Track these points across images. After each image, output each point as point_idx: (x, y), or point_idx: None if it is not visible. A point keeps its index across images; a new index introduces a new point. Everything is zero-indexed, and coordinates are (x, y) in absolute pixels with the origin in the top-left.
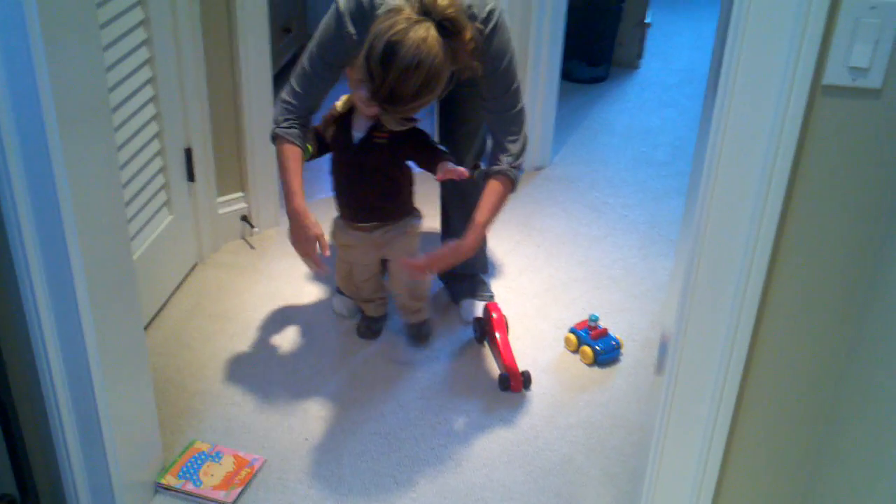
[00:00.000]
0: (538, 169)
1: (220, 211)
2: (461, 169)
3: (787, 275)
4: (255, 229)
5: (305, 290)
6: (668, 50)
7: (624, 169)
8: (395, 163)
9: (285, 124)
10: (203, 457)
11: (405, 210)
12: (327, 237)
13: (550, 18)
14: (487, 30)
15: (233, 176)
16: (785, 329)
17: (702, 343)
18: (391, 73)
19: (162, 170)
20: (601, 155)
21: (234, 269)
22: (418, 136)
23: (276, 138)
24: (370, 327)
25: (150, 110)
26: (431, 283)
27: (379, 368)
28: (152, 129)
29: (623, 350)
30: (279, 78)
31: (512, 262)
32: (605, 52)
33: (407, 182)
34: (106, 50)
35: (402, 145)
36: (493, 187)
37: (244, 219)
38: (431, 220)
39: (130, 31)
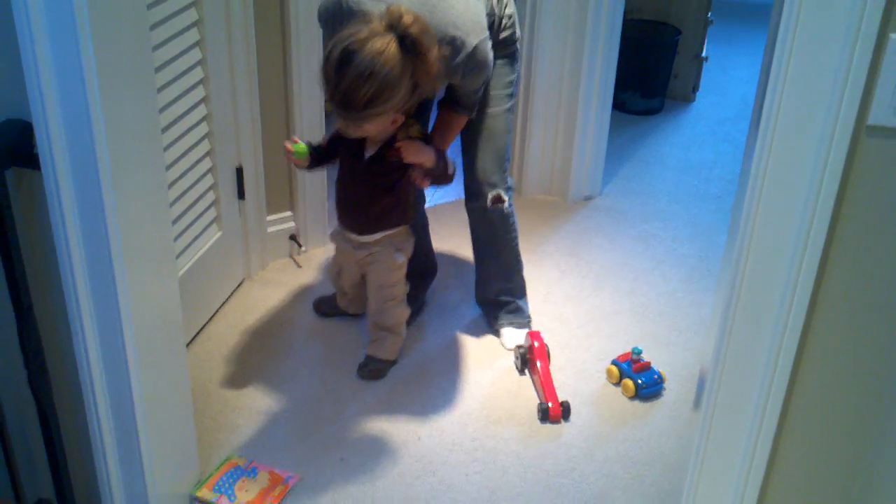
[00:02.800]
0: (587, 199)
1: (269, 229)
2: (414, 145)
3: (828, 314)
4: (303, 248)
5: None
6: (725, 83)
7: (675, 202)
8: (402, 179)
9: None
10: (239, 472)
11: (402, 220)
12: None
13: (603, 48)
14: (459, 59)
15: (282, 195)
16: (825, 369)
17: (739, 381)
18: (344, 79)
19: (212, 187)
20: (653, 187)
21: (281, 287)
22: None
23: None
24: (323, 304)
25: (202, 128)
26: (401, 317)
27: (418, 391)
28: (204, 146)
29: (666, 385)
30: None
31: (557, 290)
32: (660, 85)
33: (406, 194)
34: (161, 69)
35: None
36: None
37: (292, 238)
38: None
39: (186, 51)
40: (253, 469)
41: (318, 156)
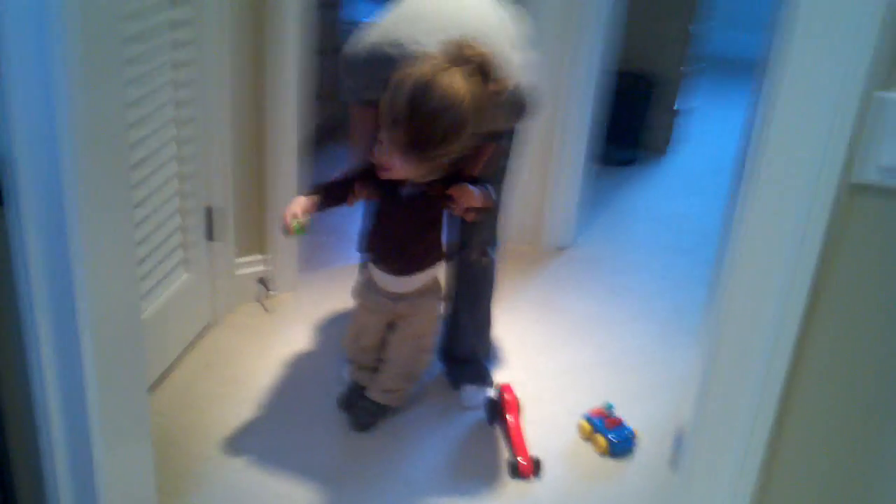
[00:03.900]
0: (561, 249)
1: (238, 272)
2: (468, 190)
3: (811, 374)
4: (272, 292)
5: (318, 356)
6: (701, 136)
7: (648, 254)
8: (440, 216)
9: None
10: None
11: (440, 257)
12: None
13: (580, 99)
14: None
15: (253, 237)
16: (808, 429)
17: (719, 441)
18: (418, 116)
19: (181, 227)
20: (626, 239)
21: (248, 332)
22: (471, 181)
23: None
24: (351, 398)
25: (172, 167)
26: (428, 365)
27: (385, 443)
28: (173, 186)
29: (637, 442)
30: (320, 144)
31: (529, 341)
32: (635, 137)
33: (441, 229)
34: (131, 106)
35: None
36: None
37: (261, 281)
38: None
39: (158, 89)
40: None
41: (332, 196)
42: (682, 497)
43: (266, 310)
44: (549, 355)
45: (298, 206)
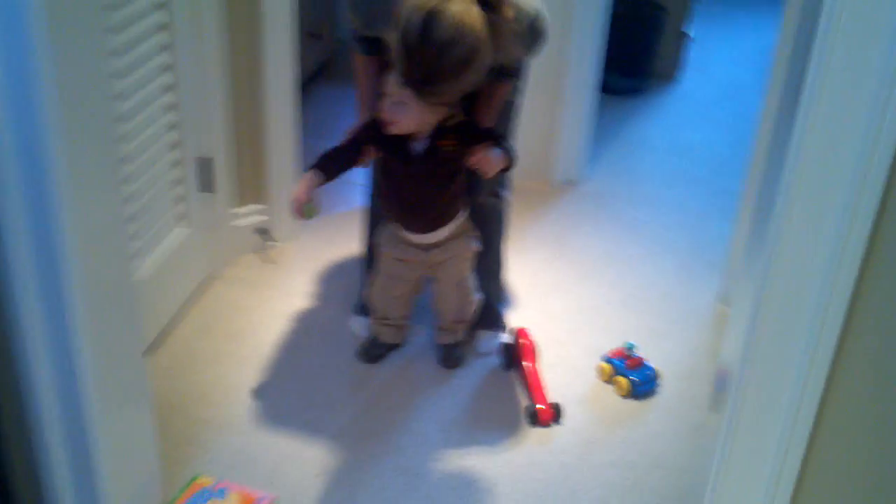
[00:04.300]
0: (570, 183)
1: (236, 223)
2: (490, 158)
3: (870, 308)
4: (272, 242)
5: (323, 308)
6: (708, 64)
7: (662, 186)
8: (460, 169)
9: None
10: (206, 493)
11: (464, 204)
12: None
13: (586, 24)
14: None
15: (250, 186)
16: (866, 366)
17: (771, 379)
18: (429, 47)
19: (173, 181)
20: (639, 171)
21: (248, 285)
22: (490, 136)
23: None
24: (373, 351)
25: (161, 117)
26: (477, 304)
27: (397, 397)
28: (163, 137)
29: (660, 381)
30: (308, 86)
31: (541, 281)
32: (642, 64)
33: (462, 178)
34: (123, 55)
35: (470, 146)
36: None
37: (263, 232)
38: None
39: (150, 34)
40: (221, 490)
41: (339, 164)
42: (727, 443)
43: (266, 261)
44: (563, 296)
45: (305, 187)
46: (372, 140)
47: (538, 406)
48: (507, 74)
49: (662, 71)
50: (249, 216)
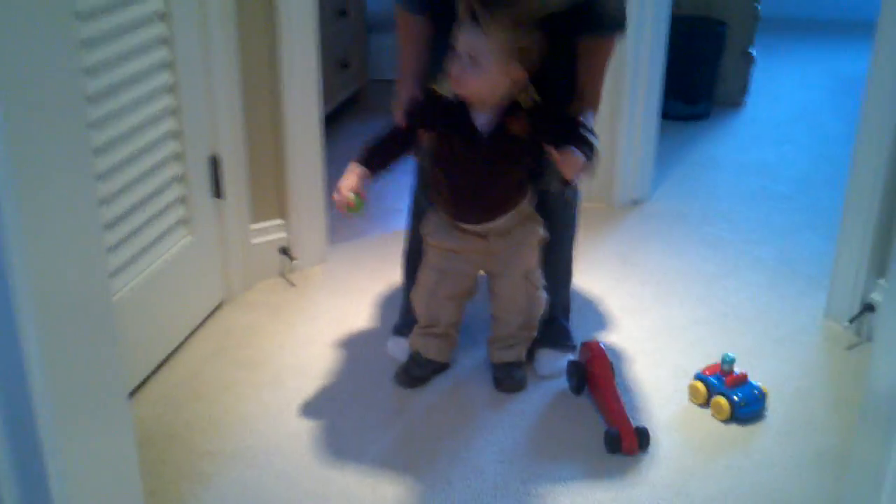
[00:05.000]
0: (635, 204)
1: (255, 240)
2: (577, 160)
3: None
4: (296, 261)
5: (354, 332)
6: (773, 88)
7: (740, 203)
8: (527, 155)
9: None
10: None
11: (524, 200)
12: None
13: (650, 39)
14: None
15: (270, 197)
16: None
17: None
18: None
19: (179, 178)
20: (711, 190)
21: (268, 309)
22: (568, 125)
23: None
24: (414, 371)
25: (165, 103)
26: (544, 307)
27: (444, 423)
28: (164, 125)
29: (768, 402)
30: (335, 119)
31: (611, 302)
32: (704, 88)
33: (528, 165)
34: (115, 39)
35: (546, 134)
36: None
37: (284, 251)
38: None
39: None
40: None
41: (389, 154)
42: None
43: (291, 284)
44: (639, 315)
45: (353, 178)
46: (429, 116)
47: (619, 429)
48: (610, 26)
49: (726, 95)
50: (269, 232)
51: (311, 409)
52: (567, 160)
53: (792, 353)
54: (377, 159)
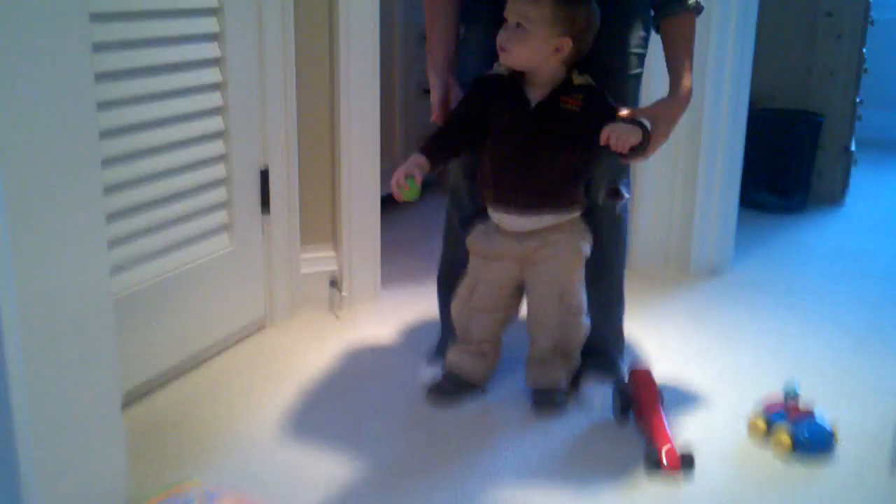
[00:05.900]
0: (714, 273)
1: (304, 270)
2: (624, 130)
3: None
4: (344, 294)
5: (396, 358)
6: (875, 189)
7: (829, 280)
8: (582, 138)
9: None
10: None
11: (577, 200)
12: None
13: (729, 91)
14: None
15: (321, 224)
16: None
17: None
18: None
19: (219, 181)
20: (799, 266)
21: (308, 334)
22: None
23: None
24: (446, 387)
25: (203, 97)
26: (586, 334)
27: (467, 436)
28: (206, 123)
29: (838, 443)
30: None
31: (677, 349)
32: (800, 184)
33: (587, 163)
34: (159, 45)
35: (597, 116)
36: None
37: (333, 284)
38: None
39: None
40: (211, 494)
41: (458, 140)
42: None
43: (336, 316)
44: (703, 361)
45: (410, 165)
46: (482, 93)
47: (661, 448)
48: (685, 4)
49: (825, 192)
50: (319, 262)
51: (327, 412)
52: (617, 131)
53: (873, 408)
54: (438, 149)
